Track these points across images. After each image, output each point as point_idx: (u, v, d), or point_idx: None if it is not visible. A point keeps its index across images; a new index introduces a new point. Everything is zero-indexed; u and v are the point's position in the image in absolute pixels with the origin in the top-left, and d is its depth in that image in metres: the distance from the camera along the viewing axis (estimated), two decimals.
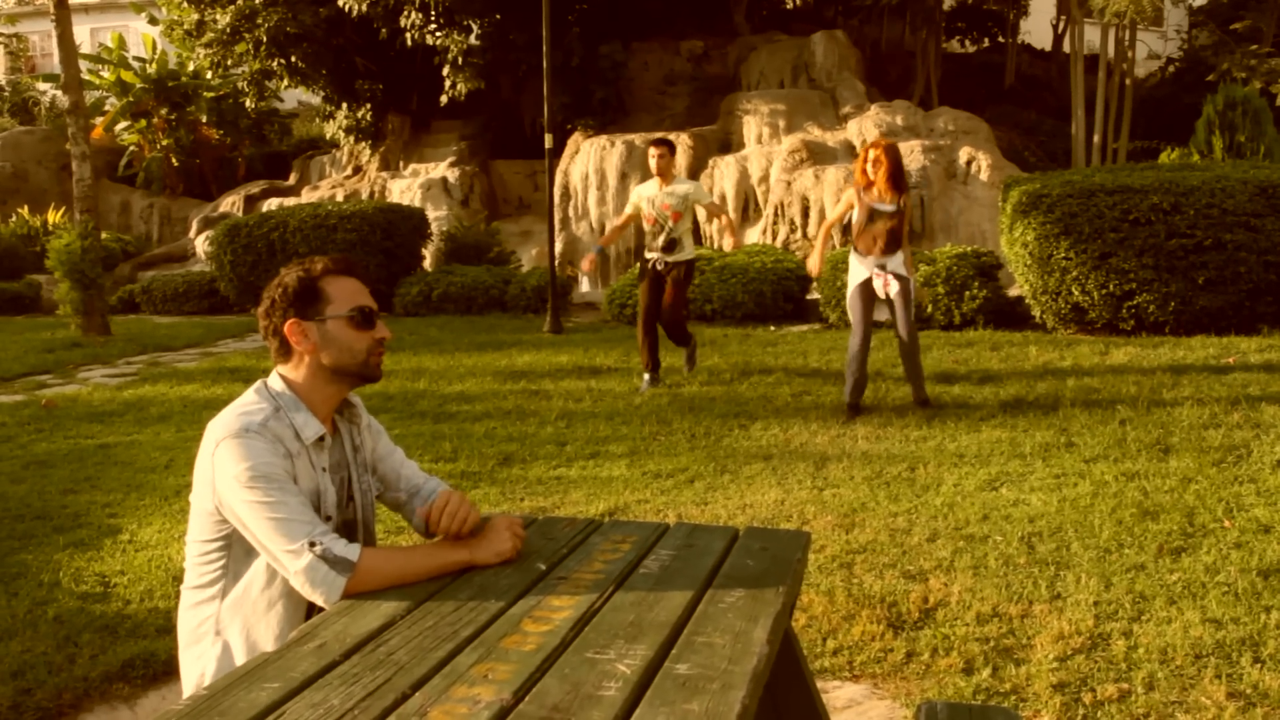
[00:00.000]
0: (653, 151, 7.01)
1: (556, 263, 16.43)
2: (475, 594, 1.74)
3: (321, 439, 2.01)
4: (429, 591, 1.76)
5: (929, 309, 9.15)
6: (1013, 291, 9.55)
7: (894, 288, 5.84)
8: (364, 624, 1.63)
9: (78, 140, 10.86)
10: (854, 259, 6.00)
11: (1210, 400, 5.91)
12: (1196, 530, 3.81)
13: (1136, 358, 7.33)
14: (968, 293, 9.07)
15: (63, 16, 10.58)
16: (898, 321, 5.98)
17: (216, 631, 1.92)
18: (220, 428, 1.90)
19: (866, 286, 5.92)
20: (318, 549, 1.79)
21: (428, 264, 14.34)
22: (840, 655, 2.93)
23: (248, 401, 1.96)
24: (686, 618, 1.60)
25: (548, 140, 10.48)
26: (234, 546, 1.90)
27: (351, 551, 1.81)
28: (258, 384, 2.03)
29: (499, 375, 7.59)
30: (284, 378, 2.02)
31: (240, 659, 1.88)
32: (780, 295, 10.14)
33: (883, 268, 5.89)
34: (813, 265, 6.31)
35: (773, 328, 9.53)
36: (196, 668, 1.93)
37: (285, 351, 2.02)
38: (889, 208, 5.88)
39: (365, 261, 12.33)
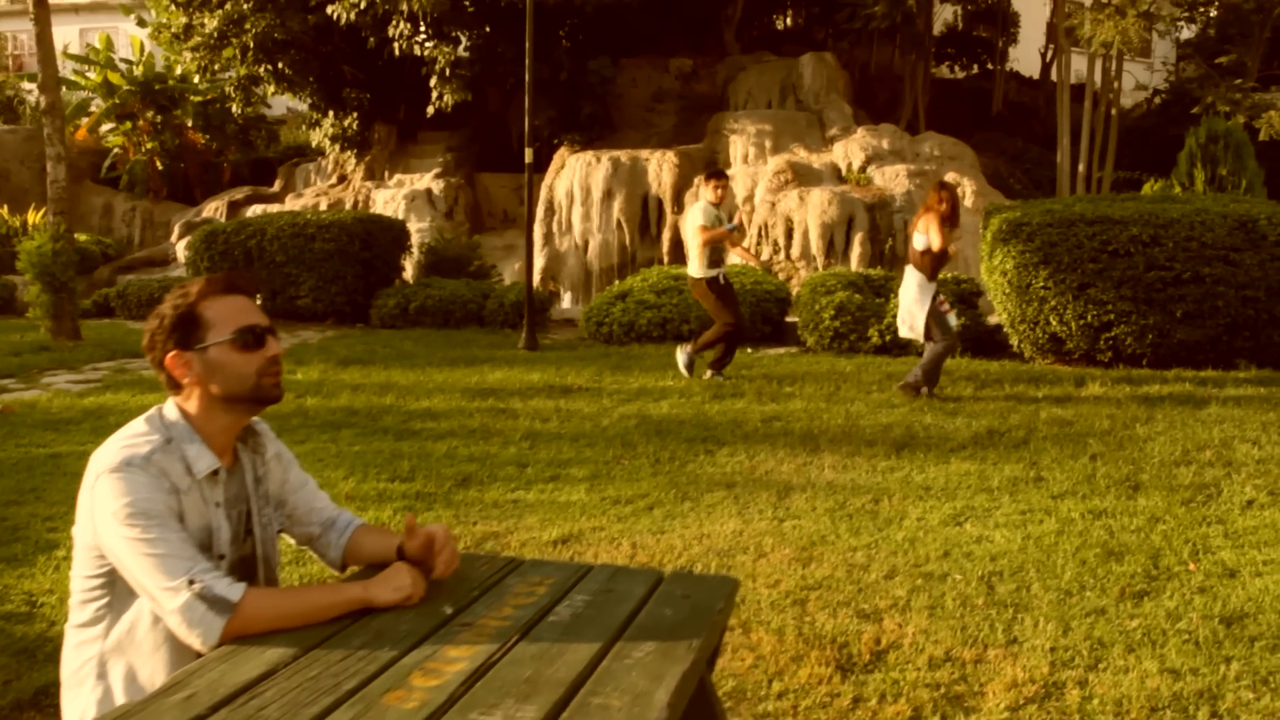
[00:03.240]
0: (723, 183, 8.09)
1: (539, 278, 16.46)
2: (370, 640, 1.62)
3: (216, 473, 1.90)
4: (322, 636, 1.65)
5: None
6: (992, 320, 9.49)
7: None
8: (241, 673, 1.51)
9: (53, 141, 10.72)
10: (924, 284, 7.05)
11: (1183, 436, 5.84)
12: (1161, 573, 3.71)
13: (1112, 390, 7.26)
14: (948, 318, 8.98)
15: (41, 16, 10.46)
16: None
17: (99, 674, 1.80)
18: (102, 460, 1.78)
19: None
20: (196, 587, 1.68)
21: (409, 276, 14.23)
22: (785, 699, 2.82)
23: (135, 432, 1.84)
24: (587, 675, 1.49)
25: (528, 155, 10.39)
26: (117, 584, 1.78)
27: (234, 591, 1.70)
28: (150, 412, 1.91)
29: (468, 392, 7.47)
30: (179, 407, 1.91)
31: (122, 703, 1.76)
32: (759, 317, 10.06)
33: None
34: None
35: (750, 350, 9.44)
36: (76, 711, 1.81)
37: (174, 385, 1.90)
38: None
39: (343, 272, 12.21)
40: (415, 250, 14.22)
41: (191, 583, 1.68)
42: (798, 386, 7.54)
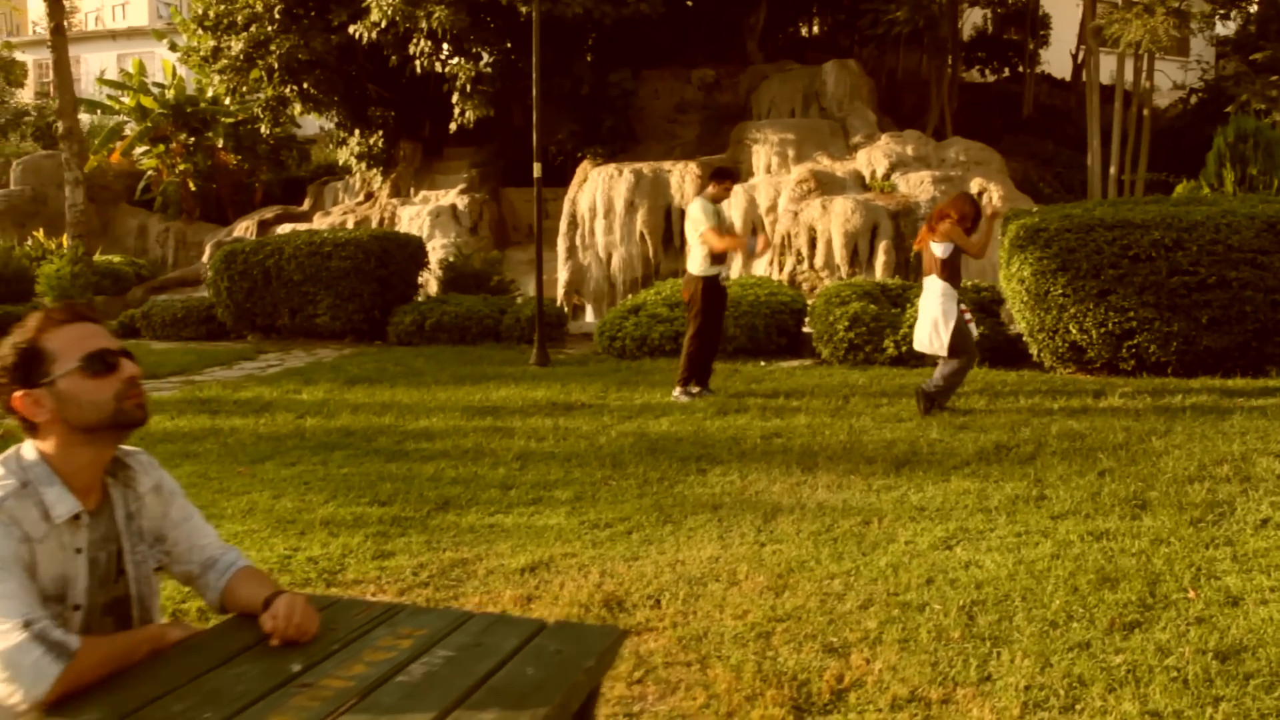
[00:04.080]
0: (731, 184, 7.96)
1: (562, 292, 16.37)
2: (195, 704, 1.49)
3: (77, 517, 1.79)
4: (148, 698, 1.52)
5: None
6: (1014, 328, 9.21)
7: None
8: None
9: (71, 165, 10.86)
10: (949, 291, 6.76)
11: (1201, 450, 5.56)
12: (1157, 601, 3.48)
13: (1131, 401, 6.97)
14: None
15: (59, 44, 10.61)
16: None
17: None
18: None
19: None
20: (34, 628, 1.57)
21: (431, 292, 14.21)
22: None
23: None
24: None
25: (536, 170, 10.31)
26: None
27: (72, 640, 1.60)
28: (8, 454, 1.81)
29: (468, 411, 7.36)
30: (37, 449, 1.81)
31: None
32: (774, 329, 9.86)
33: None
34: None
35: (763, 363, 9.25)
36: None
37: (29, 427, 1.81)
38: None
39: (359, 290, 12.19)
40: (435, 266, 14.22)
41: (28, 624, 1.58)
42: (805, 401, 7.34)
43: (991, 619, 3.35)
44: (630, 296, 11.59)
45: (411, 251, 12.93)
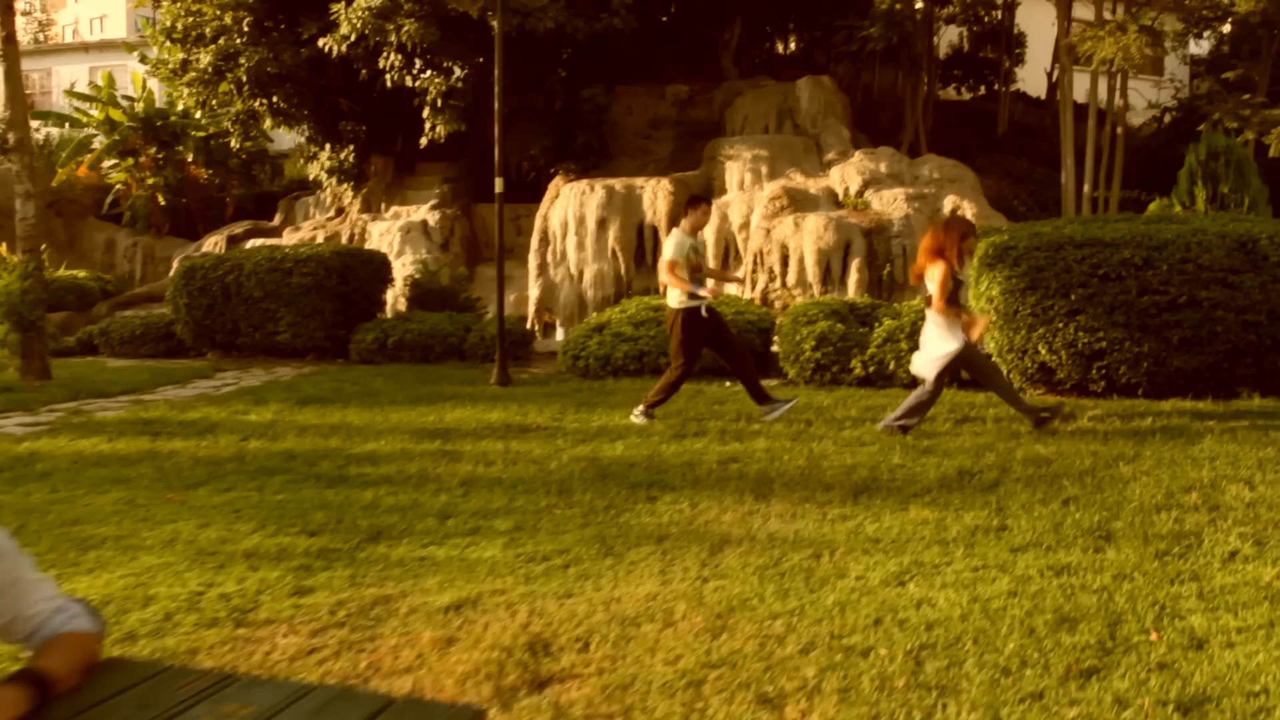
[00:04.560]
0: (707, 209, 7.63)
1: (533, 309, 16.14)
2: None
3: None
4: None
5: (891, 366, 8.64)
6: (984, 349, 9.03)
7: None
8: None
9: (21, 178, 10.56)
10: (952, 325, 6.61)
11: (1169, 476, 5.37)
12: (1118, 644, 3.27)
13: (1101, 424, 6.80)
14: None
15: (10, 53, 10.31)
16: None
17: None
18: None
19: None
20: None
21: (401, 309, 13.96)
22: None
23: None
24: None
25: (498, 185, 10.10)
26: None
27: None
28: None
29: (419, 433, 7.11)
30: None
31: None
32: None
33: None
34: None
35: (728, 383, 9.03)
36: None
37: None
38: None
39: (321, 307, 11.92)
40: (402, 283, 13.97)
41: None
42: (767, 423, 7.12)
43: (940, 665, 3.13)
44: (595, 314, 11.37)
45: (375, 268, 12.68)
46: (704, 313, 7.35)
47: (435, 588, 3.95)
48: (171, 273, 19.99)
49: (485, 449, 6.52)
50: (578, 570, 4.12)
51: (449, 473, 5.91)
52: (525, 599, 3.79)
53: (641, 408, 7.41)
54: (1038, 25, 21.49)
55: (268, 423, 7.70)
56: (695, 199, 7.77)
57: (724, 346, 7.55)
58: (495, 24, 14.92)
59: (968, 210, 13.87)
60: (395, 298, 14.65)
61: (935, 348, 6.65)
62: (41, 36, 56.87)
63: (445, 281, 13.63)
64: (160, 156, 22.47)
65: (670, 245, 7.44)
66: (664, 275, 7.44)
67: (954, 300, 6.63)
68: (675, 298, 7.38)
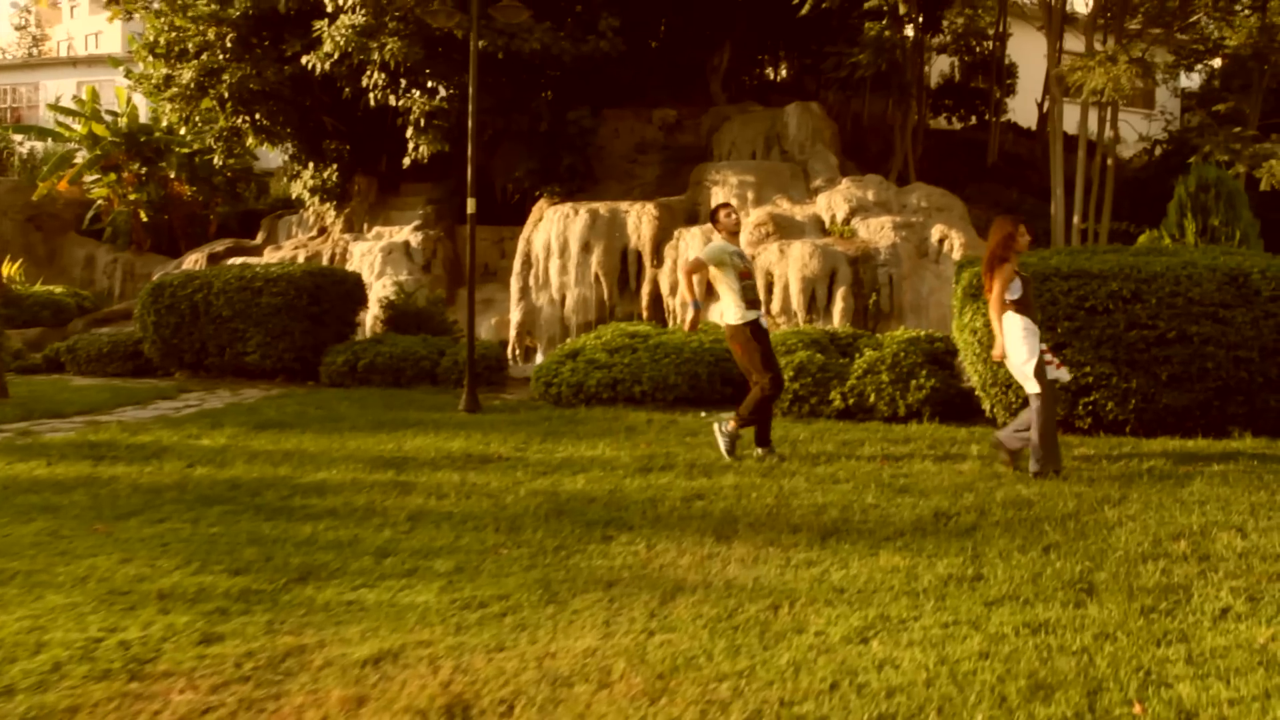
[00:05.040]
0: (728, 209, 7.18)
1: (514, 333, 15.84)
2: None
3: None
4: None
5: (872, 398, 8.35)
6: (968, 382, 8.76)
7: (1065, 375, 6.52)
8: None
9: None
10: (1029, 327, 6.27)
11: (1157, 521, 5.07)
12: (1098, 717, 2.95)
13: (1086, 464, 6.50)
14: (914, 381, 8.28)
15: None
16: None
17: None
18: None
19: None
20: None
21: (379, 330, 13.64)
22: None
23: None
24: None
25: (470, 205, 9.84)
26: None
27: None
28: None
29: (374, 463, 6.78)
30: None
31: None
32: (718, 378, 9.36)
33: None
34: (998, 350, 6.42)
35: (704, 414, 8.73)
36: None
37: None
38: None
39: (290, 328, 11.61)
40: (376, 304, 13.67)
41: None
42: (736, 460, 6.80)
43: None
44: (569, 340, 11.07)
45: (348, 289, 12.37)
46: (762, 324, 6.92)
47: (357, 637, 3.62)
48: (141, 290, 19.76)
49: (440, 480, 6.20)
50: (515, 619, 3.79)
51: (397, 506, 5.58)
52: (452, 652, 3.46)
53: (730, 425, 6.88)
54: (1029, 56, 21.43)
55: (219, 448, 7.37)
56: (717, 206, 7.30)
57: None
58: (484, 44, 14.83)
59: (955, 240, 13.65)
60: (372, 319, 14.35)
61: (1015, 356, 6.31)
62: (35, 51, 56.89)
63: (421, 304, 13.33)
64: (143, 172, 22.22)
65: (707, 250, 6.96)
66: (729, 289, 6.87)
67: (1021, 304, 6.28)
68: (734, 313, 6.86)
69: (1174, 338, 7.29)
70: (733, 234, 7.06)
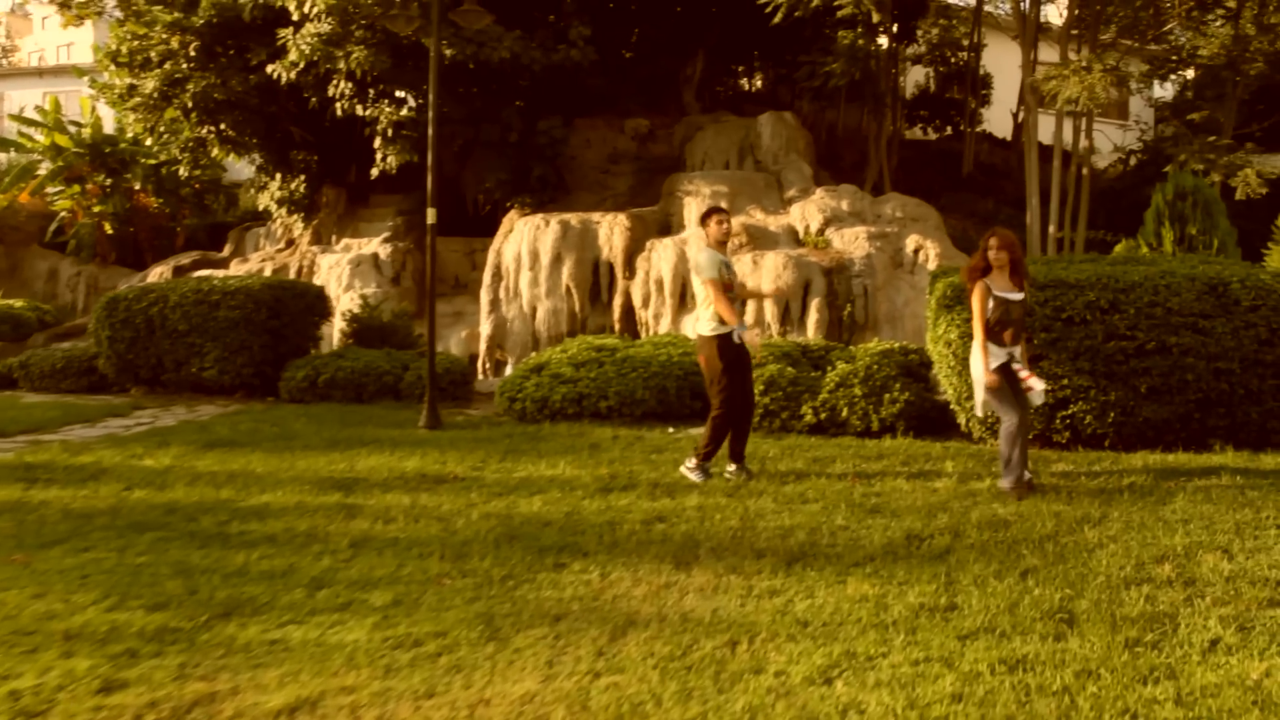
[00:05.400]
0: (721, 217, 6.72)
1: (485, 346, 15.52)
2: None
3: None
4: None
5: (844, 413, 8.10)
6: (942, 395, 8.53)
7: (1039, 386, 6.10)
8: None
9: None
10: (991, 348, 6.02)
11: (1139, 543, 4.83)
12: None
13: (1065, 479, 6.26)
14: (887, 395, 8.03)
15: None
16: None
17: None
18: None
19: (1006, 367, 6.05)
20: None
21: (337, 345, 13.29)
22: None
23: None
24: None
25: (430, 215, 9.57)
26: None
27: None
28: None
29: (322, 484, 6.45)
30: None
31: None
32: (687, 392, 9.07)
33: (1013, 357, 6.11)
34: (991, 379, 6.04)
35: (671, 429, 8.45)
36: None
37: None
38: (1018, 296, 6.11)
39: (249, 342, 11.25)
40: (340, 318, 13.33)
41: None
42: (723, 479, 6.52)
43: None
44: (534, 354, 10.77)
45: (309, 302, 12.01)
46: (736, 339, 6.44)
47: (275, 682, 3.30)
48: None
49: (390, 503, 5.88)
50: (450, 660, 3.49)
51: (341, 532, 5.26)
52: (377, 699, 3.15)
53: (694, 461, 6.53)
54: (1004, 67, 21.39)
55: (162, 469, 7.02)
56: (708, 211, 6.78)
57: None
58: (453, 52, 14.56)
59: (930, 250, 13.47)
60: (339, 333, 14.00)
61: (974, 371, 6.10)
62: (4, 62, 56.17)
63: (386, 317, 13.00)
64: (108, 184, 21.79)
65: (708, 263, 6.50)
66: (706, 299, 6.47)
67: (998, 325, 6.00)
68: (708, 324, 6.48)
69: (1153, 349, 7.08)
70: (721, 243, 6.69)
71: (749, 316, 13.05)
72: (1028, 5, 15.34)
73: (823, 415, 8.06)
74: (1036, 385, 6.07)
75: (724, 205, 15.20)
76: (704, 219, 6.78)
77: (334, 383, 10.89)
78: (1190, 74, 18.64)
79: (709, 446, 6.51)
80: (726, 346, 6.43)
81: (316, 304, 12.16)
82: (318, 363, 11.15)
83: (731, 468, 6.57)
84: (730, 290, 6.58)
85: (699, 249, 6.88)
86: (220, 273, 16.98)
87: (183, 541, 5.14)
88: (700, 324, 6.59)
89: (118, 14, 17.70)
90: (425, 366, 10.98)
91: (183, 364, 11.58)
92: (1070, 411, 7.22)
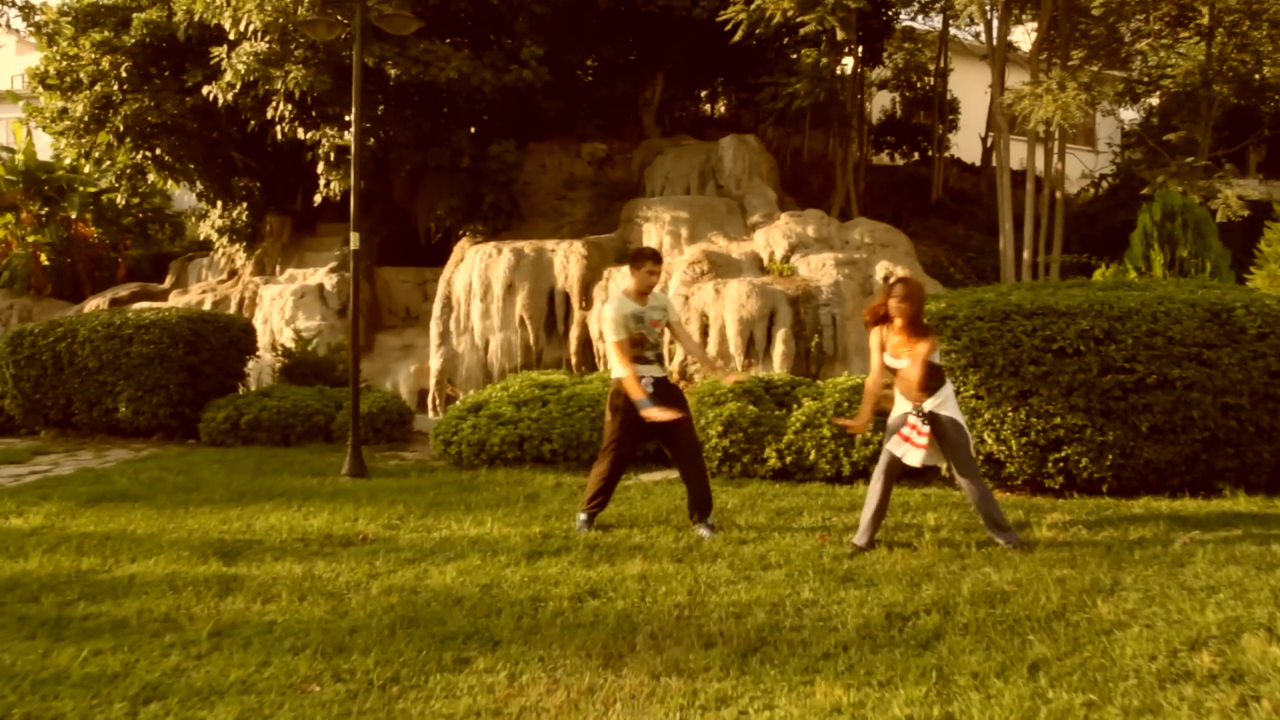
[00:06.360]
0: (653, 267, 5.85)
1: (434, 381, 14.62)
2: None
3: None
4: None
5: (812, 455, 7.28)
6: None
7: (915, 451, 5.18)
8: None
9: None
10: (897, 398, 5.39)
11: (1165, 619, 4.02)
12: None
13: (1063, 533, 5.47)
14: (859, 436, 7.23)
15: None
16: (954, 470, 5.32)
17: None
18: None
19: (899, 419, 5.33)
20: None
21: (271, 381, 12.35)
22: None
23: None
24: None
25: (354, 241, 8.71)
26: None
27: None
28: None
29: (206, 549, 5.52)
30: None
31: None
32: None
33: (919, 411, 5.23)
34: (859, 423, 5.46)
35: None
36: None
37: None
38: (904, 364, 5.24)
39: (165, 380, 10.29)
40: (265, 352, 12.39)
41: None
42: (650, 533, 5.67)
43: None
44: (473, 392, 9.89)
45: (232, 336, 11.07)
46: (649, 388, 5.65)
47: None
48: None
49: (278, 574, 4.97)
50: None
51: (207, 614, 4.35)
52: None
53: (582, 514, 5.92)
54: (971, 92, 20.97)
55: (26, 531, 6.05)
56: (641, 254, 5.99)
57: (674, 439, 5.82)
58: (398, 73, 13.77)
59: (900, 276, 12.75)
60: (272, 370, 13.06)
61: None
62: None
63: (322, 353, 12.08)
64: (43, 213, 20.74)
65: (607, 318, 5.74)
66: (612, 360, 5.80)
67: (888, 385, 5.37)
68: (616, 368, 5.77)
69: (1154, 383, 6.34)
70: (642, 293, 5.83)
71: (711, 346, 12.28)
72: (997, 24, 14.82)
73: (788, 459, 7.24)
74: (912, 449, 5.19)
75: (684, 232, 14.52)
76: (635, 261, 5.90)
77: (258, 424, 9.94)
78: (1155, 100, 18.25)
79: (593, 494, 5.90)
80: (626, 399, 5.66)
81: (242, 338, 11.22)
82: (240, 402, 10.20)
83: (701, 530, 5.71)
84: (643, 344, 5.77)
85: (609, 297, 6.01)
86: (158, 305, 15.98)
87: (9, 631, 4.20)
88: (614, 366, 5.82)
89: (21, 29, 16.75)
90: (361, 405, 10.09)
91: (95, 404, 10.60)
92: (1064, 454, 6.45)
